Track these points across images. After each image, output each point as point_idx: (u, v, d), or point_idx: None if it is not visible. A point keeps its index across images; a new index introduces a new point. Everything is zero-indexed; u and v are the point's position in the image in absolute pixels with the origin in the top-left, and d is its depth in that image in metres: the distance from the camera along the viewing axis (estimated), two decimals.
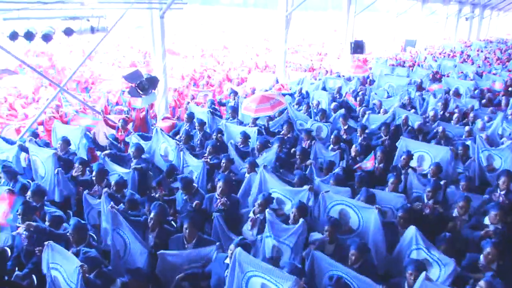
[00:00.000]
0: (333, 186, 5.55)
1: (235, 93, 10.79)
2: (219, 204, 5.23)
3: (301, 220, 4.43)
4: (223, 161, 6.33)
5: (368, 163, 6.47)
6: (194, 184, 5.63)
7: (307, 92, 11.92)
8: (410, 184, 6.20)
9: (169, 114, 10.54)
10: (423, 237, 4.44)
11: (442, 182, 5.88)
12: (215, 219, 4.91)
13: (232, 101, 10.19)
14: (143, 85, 7.48)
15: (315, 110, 9.82)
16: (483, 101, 11.64)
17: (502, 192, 5.88)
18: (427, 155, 7.06)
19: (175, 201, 5.64)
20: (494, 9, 37.44)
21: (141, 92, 7.58)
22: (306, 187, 5.34)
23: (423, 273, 3.62)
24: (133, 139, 7.23)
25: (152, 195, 5.87)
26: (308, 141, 7.53)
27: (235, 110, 9.03)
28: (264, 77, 14.57)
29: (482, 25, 35.65)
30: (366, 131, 8.12)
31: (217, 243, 4.42)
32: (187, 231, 4.47)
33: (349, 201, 5.08)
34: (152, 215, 4.67)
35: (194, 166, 6.44)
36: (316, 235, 4.57)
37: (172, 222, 5.36)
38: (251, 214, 5.17)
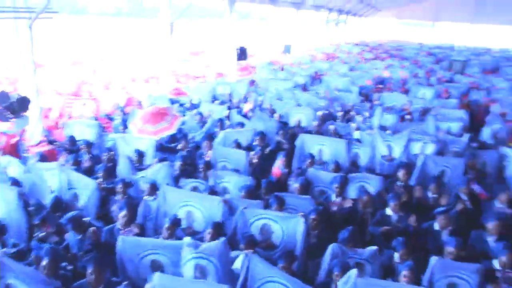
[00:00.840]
0: (245, 200, 5.34)
1: (122, 109, 10.02)
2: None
3: (221, 239, 4.13)
4: (119, 186, 5.70)
5: (276, 169, 6.43)
6: (84, 219, 4.91)
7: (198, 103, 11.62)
8: (313, 180, 6.23)
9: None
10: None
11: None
12: None
13: (119, 117, 9.42)
14: (13, 107, 6.44)
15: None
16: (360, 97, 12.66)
17: (401, 184, 6.30)
18: (326, 148, 7.27)
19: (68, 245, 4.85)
20: (356, 15, 41.37)
21: (11, 116, 6.52)
22: (218, 198, 5.05)
23: (353, 270, 3.59)
24: None
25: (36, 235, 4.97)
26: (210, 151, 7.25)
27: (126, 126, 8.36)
28: (152, 88, 13.86)
29: (348, 29, 39.27)
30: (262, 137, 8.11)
31: (125, 283, 3.88)
32: (93, 276, 3.78)
33: (271, 214, 4.87)
34: (44, 263, 3.91)
35: (81, 187, 5.65)
36: (235, 254, 4.28)
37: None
38: None
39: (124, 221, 4.76)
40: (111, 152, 7.12)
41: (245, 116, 9.86)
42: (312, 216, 4.88)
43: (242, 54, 15.69)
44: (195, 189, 5.85)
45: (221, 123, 8.81)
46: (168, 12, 12.87)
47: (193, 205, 5.09)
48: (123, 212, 4.78)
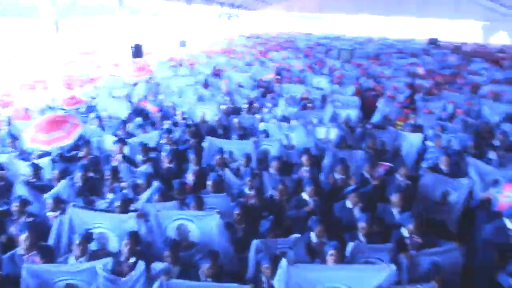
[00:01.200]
0: (159, 203, 5.11)
1: (9, 120, 8.95)
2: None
3: (140, 266, 3.87)
4: (14, 204, 5.07)
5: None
6: None
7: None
8: (228, 181, 6.27)
9: None
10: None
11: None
12: None
13: (6, 127, 8.40)
14: None
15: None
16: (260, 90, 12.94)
17: (306, 168, 6.54)
18: (235, 150, 7.25)
19: None
20: (247, 9, 42.15)
21: None
22: (131, 214, 4.75)
23: (283, 261, 3.63)
24: None
25: None
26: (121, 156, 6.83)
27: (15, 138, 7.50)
28: (37, 94, 12.59)
29: (241, 23, 39.84)
30: (171, 135, 7.89)
31: None
32: None
33: (186, 214, 4.74)
34: None
35: None
36: (157, 266, 4.08)
37: None
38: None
39: (27, 244, 4.24)
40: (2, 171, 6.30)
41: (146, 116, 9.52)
42: (236, 212, 4.86)
43: (137, 51, 15.02)
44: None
45: (123, 125, 8.36)
46: (52, 9, 11.76)
47: (105, 227, 4.74)
48: (24, 235, 4.26)
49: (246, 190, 5.72)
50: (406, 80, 14.71)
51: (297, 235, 4.48)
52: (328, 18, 45.10)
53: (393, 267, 3.67)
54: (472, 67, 19.20)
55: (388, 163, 6.70)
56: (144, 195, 5.48)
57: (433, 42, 30.65)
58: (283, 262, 3.64)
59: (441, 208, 6.07)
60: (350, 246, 4.28)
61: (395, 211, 5.36)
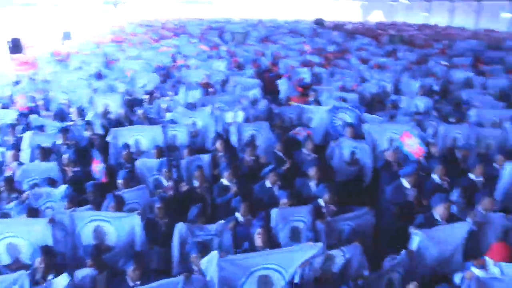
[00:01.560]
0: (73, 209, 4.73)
1: None
2: None
3: (62, 281, 3.55)
4: None
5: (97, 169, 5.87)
6: None
7: None
8: (141, 173, 6.02)
9: None
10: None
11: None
12: None
13: None
14: None
15: None
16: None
17: (221, 153, 6.56)
18: (142, 138, 7.03)
19: None
20: None
21: None
22: (42, 220, 4.33)
23: (214, 252, 3.61)
24: None
25: None
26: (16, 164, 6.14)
27: None
28: None
29: (128, 10, 37.97)
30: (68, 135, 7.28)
31: None
32: None
33: (104, 215, 4.45)
34: None
35: None
36: (81, 273, 3.76)
37: None
38: None
39: None
40: None
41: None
42: (157, 205, 4.69)
43: (15, 46, 13.49)
44: None
45: (12, 129, 7.54)
46: None
47: (14, 235, 4.26)
48: None
49: (164, 182, 5.56)
50: (299, 59, 15.40)
51: (222, 221, 4.49)
52: (217, 2, 45.05)
53: (320, 244, 3.83)
54: (356, 43, 20.78)
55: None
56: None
57: (319, 22, 32.36)
58: (213, 255, 3.61)
59: (352, 169, 6.69)
60: (273, 212, 4.41)
61: (312, 184, 5.64)
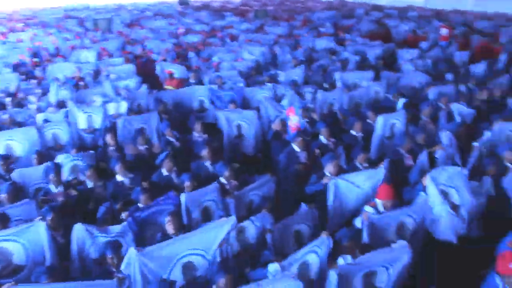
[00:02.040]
0: None
1: None
2: None
3: None
4: None
5: None
6: None
7: None
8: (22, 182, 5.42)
9: None
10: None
11: None
12: None
13: None
14: None
15: None
16: None
17: (113, 147, 6.26)
18: (16, 143, 6.32)
19: None
20: None
21: None
22: None
23: (131, 248, 3.48)
24: None
25: None
26: None
27: None
28: None
29: None
30: None
31: None
32: None
33: (3, 233, 3.94)
34: None
35: None
36: None
37: None
38: None
39: None
40: None
41: None
42: (49, 218, 4.27)
43: None
44: None
45: None
46: None
47: None
48: None
49: (52, 188, 5.10)
50: (172, 41, 15.13)
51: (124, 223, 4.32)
52: None
53: (233, 217, 3.93)
54: (225, 21, 21.08)
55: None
56: None
57: (184, 2, 31.88)
58: (131, 252, 3.47)
59: (241, 142, 6.92)
60: (182, 197, 4.41)
61: (207, 164, 5.71)
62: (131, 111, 7.61)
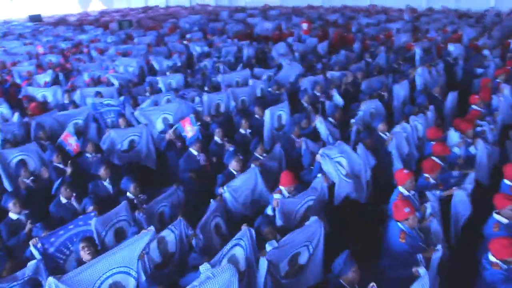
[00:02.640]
0: None
1: None
2: None
3: None
4: None
5: None
6: None
7: None
8: None
9: None
10: None
11: None
12: None
13: None
14: None
15: None
16: None
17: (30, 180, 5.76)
18: None
19: None
20: None
21: None
22: None
23: (50, 278, 3.23)
24: None
25: None
26: None
27: None
28: None
29: None
30: None
31: None
32: None
33: None
34: None
35: None
36: None
37: None
38: None
39: None
40: None
41: None
42: None
43: None
44: None
45: None
46: None
47: None
48: None
49: None
50: (33, 62, 13.87)
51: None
52: None
53: (152, 228, 3.84)
54: (88, 35, 19.97)
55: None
56: None
57: (36, 19, 29.27)
58: (50, 281, 3.19)
59: (130, 155, 6.81)
60: (92, 223, 4.24)
61: (106, 183, 5.50)
62: (6, 142, 6.89)
